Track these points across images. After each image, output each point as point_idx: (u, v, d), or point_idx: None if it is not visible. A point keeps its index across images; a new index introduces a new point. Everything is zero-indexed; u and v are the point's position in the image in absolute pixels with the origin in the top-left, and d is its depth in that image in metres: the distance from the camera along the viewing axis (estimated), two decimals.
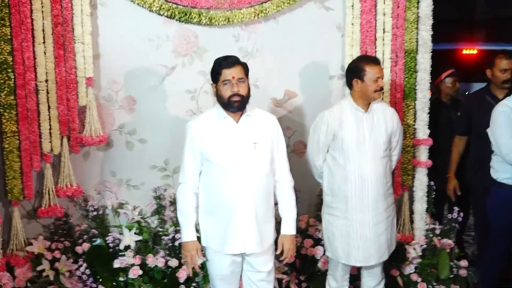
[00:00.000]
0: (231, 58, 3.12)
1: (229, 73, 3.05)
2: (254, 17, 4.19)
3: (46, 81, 3.95)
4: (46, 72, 3.94)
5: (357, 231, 3.54)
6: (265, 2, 4.18)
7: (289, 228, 3.27)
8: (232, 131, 3.12)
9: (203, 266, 3.78)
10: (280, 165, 3.28)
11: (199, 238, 3.24)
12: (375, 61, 3.57)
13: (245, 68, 3.14)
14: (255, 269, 3.25)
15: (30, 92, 3.89)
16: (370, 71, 3.47)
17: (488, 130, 4.01)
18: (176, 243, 4.09)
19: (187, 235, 3.14)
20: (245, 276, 3.32)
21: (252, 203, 3.11)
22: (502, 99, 4.11)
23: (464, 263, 4.36)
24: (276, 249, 3.34)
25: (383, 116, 3.60)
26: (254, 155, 3.11)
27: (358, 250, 3.55)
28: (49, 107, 4.00)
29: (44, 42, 3.91)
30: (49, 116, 4.00)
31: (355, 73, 3.51)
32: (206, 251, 3.26)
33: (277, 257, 3.49)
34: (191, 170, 3.16)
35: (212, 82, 3.19)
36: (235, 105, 3.07)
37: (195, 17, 4.13)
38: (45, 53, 3.92)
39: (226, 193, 3.10)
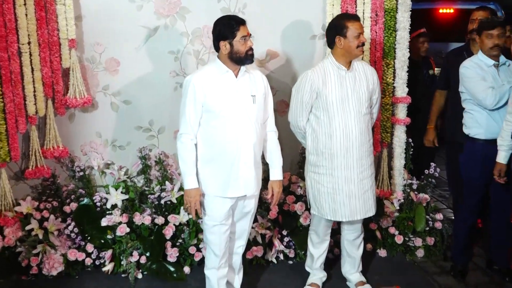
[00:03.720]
0: (239, 17, 3.32)
1: (245, 29, 3.24)
2: None
3: (29, 43, 3.95)
4: (28, 34, 3.94)
5: (343, 188, 3.62)
6: None
7: (278, 174, 3.54)
8: (233, 84, 3.29)
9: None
10: (269, 116, 3.51)
11: None
12: (355, 18, 3.62)
13: None
14: (243, 211, 3.48)
15: (13, 54, 3.89)
16: (352, 28, 3.50)
17: (460, 88, 4.09)
18: (162, 202, 4.21)
19: (190, 182, 3.30)
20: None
21: (251, 149, 3.32)
22: None
23: (439, 216, 4.53)
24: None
25: (364, 74, 3.66)
26: (254, 106, 3.32)
27: (344, 206, 3.64)
28: (32, 70, 4.01)
29: (25, 4, 3.89)
30: (33, 79, 4.02)
31: (337, 31, 3.54)
32: (204, 198, 3.40)
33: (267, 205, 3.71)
34: (192, 121, 3.28)
35: (221, 40, 3.25)
36: (251, 58, 3.28)
37: None
38: (26, 15, 3.91)
39: (230, 141, 3.28)
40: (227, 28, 3.24)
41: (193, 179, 3.30)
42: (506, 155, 3.74)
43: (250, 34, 3.27)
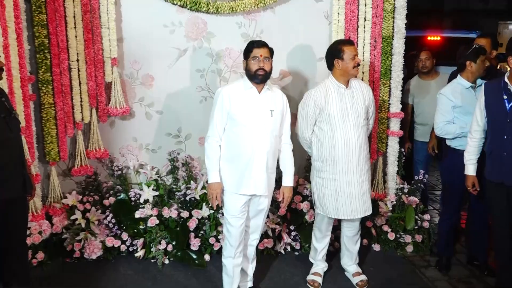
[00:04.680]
0: (261, 41, 3.65)
1: (258, 52, 3.54)
2: (255, 7, 4.57)
3: (77, 60, 4.33)
4: (77, 53, 4.32)
5: (344, 190, 3.84)
6: None
7: (289, 181, 3.79)
8: (255, 99, 3.59)
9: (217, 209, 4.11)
10: (285, 131, 3.78)
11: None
12: (350, 42, 3.88)
13: (271, 51, 3.61)
14: (257, 209, 3.76)
15: (64, 70, 4.28)
16: (348, 51, 3.75)
17: None
18: (187, 198, 4.49)
19: (213, 177, 3.60)
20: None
21: (265, 156, 3.59)
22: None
23: (427, 216, 4.82)
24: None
25: (361, 91, 3.91)
26: (271, 119, 3.60)
27: (345, 206, 3.86)
28: (80, 83, 4.38)
29: (75, 27, 4.28)
30: (80, 91, 4.39)
31: (335, 54, 3.79)
32: (224, 194, 3.68)
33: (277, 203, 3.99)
34: (218, 126, 3.60)
35: (243, 59, 3.62)
36: (259, 77, 3.54)
37: (204, 6, 4.50)
38: (76, 36, 4.29)
39: (246, 146, 3.55)
40: (246, 49, 3.62)
41: (215, 174, 3.59)
42: (474, 168, 3.93)
43: (266, 57, 3.52)
